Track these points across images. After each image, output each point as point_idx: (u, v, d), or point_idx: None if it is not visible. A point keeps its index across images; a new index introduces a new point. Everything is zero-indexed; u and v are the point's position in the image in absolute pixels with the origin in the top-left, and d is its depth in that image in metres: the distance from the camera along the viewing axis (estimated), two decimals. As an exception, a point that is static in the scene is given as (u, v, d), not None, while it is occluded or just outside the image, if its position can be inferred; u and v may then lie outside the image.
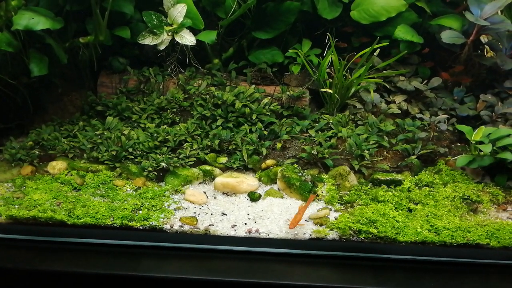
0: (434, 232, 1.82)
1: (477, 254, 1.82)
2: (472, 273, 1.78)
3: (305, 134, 2.25)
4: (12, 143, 2.21)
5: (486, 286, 1.73)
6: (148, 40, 2.31)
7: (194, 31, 2.34)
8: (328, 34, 2.44)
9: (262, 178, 2.13)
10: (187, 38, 2.29)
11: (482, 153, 2.04)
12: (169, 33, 2.29)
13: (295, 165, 2.12)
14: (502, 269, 1.80)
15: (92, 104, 2.39)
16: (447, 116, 2.31)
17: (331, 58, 2.32)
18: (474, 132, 2.10)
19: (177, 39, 2.29)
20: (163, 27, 2.29)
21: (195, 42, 2.29)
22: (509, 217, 1.93)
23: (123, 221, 1.86)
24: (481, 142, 2.07)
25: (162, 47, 2.33)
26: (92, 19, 2.25)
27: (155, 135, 2.22)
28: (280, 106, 2.35)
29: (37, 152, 2.18)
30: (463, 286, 1.72)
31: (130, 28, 2.35)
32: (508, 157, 1.98)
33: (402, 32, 2.39)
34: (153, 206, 1.95)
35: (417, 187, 2.06)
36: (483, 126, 2.12)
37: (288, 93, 2.38)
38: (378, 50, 2.37)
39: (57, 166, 2.15)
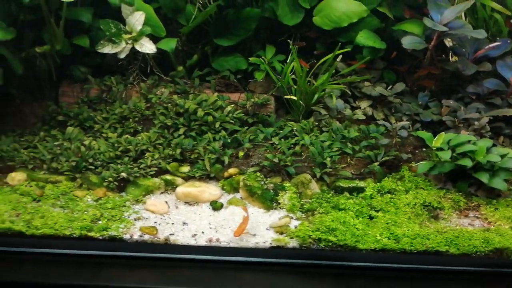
0: (394, 239, 1.85)
1: (437, 261, 1.85)
2: (433, 280, 1.82)
3: (269, 142, 2.28)
4: (-31, 155, 2.18)
5: (446, 293, 1.79)
6: (108, 49, 2.32)
7: (156, 38, 2.37)
8: (289, 41, 2.48)
9: (225, 187, 2.16)
10: (147, 46, 2.31)
11: (442, 159, 2.08)
12: (129, 42, 2.30)
13: (258, 174, 2.15)
14: (462, 275, 1.83)
15: (53, 114, 2.41)
16: (408, 122, 2.36)
17: (294, 65, 2.35)
18: (435, 139, 2.14)
19: (137, 47, 2.31)
20: (122, 35, 2.29)
21: (155, 50, 2.33)
22: (470, 223, 1.98)
23: (82, 232, 1.88)
24: (441, 149, 2.11)
25: (122, 56, 2.35)
26: (47, 28, 2.25)
27: (116, 145, 2.24)
28: (244, 114, 2.39)
29: (-5, 163, 2.17)
30: (422, 292, 1.79)
31: (90, 37, 2.37)
32: (467, 164, 2.02)
33: (364, 38, 2.43)
34: (112, 216, 1.97)
35: (379, 194, 2.10)
36: (443, 133, 2.16)
37: (252, 100, 2.42)
38: (340, 56, 2.43)
39: (17, 177, 2.16)
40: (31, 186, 2.12)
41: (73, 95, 2.48)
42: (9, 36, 2.12)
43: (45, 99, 2.48)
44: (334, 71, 2.39)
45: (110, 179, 2.11)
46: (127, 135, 2.31)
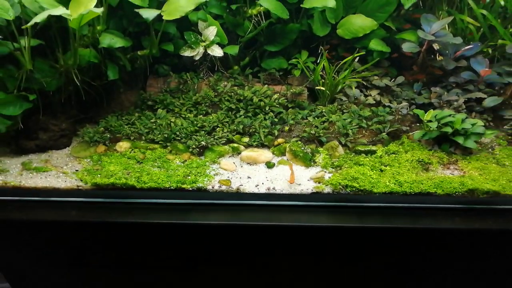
0: (398, 185, 2.10)
1: (428, 200, 2.08)
2: (426, 215, 2.05)
3: (305, 120, 2.52)
4: (88, 128, 2.49)
5: (435, 224, 1.99)
6: (187, 53, 2.60)
7: (220, 45, 2.61)
8: (321, 47, 2.73)
9: (274, 152, 2.40)
10: (217, 51, 2.57)
11: (431, 128, 2.31)
12: (203, 48, 2.58)
13: (299, 142, 2.41)
14: (445, 211, 2.06)
15: (144, 100, 2.68)
16: (407, 104, 2.58)
17: (323, 64, 2.61)
18: (426, 114, 2.37)
19: (209, 51, 2.58)
20: (199, 43, 2.58)
21: (222, 54, 2.58)
22: (451, 173, 2.21)
23: (178, 185, 2.12)
24: (430, 121, 2.33)
25: (197, 58, 2.60)
26: (147, 37, 2.53)
27: (195, 122, 2.49)
28: (286, 100, 2.62)
29: (108, 135, 2.45)
30: (419, 222, 2.00)
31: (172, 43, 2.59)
32: (448, 130, 2.26)
33: (375, 44, 2.69)
34: (198, 173, 2.21)
35: (386, 155, 2.33)
36: (431, 110, 2.39)
37: (291, 90, 2.65)
38: (357, 58, 2.67)
39: (123, 145, 2.42)
40: (134, 152, 2.37)
41: (157, 86, 2.72)
42: (128, 44, 2.39)
43: (135, 89, 2.72)
44: (352, 68, 2.63)
45: (193, 146, 2.37)
46: (200, 116, 2.56)
